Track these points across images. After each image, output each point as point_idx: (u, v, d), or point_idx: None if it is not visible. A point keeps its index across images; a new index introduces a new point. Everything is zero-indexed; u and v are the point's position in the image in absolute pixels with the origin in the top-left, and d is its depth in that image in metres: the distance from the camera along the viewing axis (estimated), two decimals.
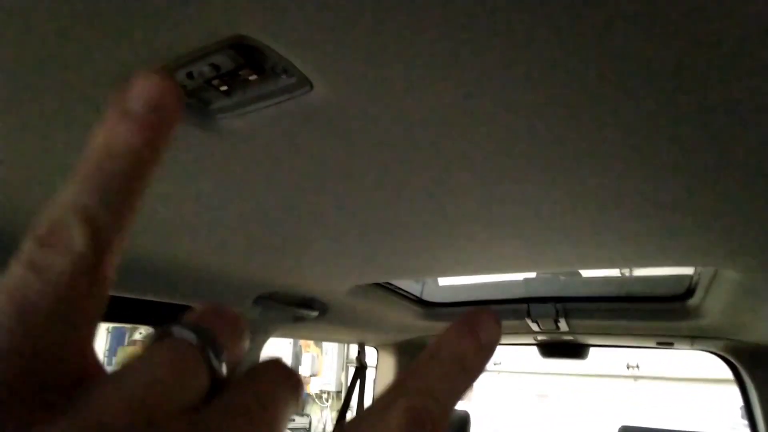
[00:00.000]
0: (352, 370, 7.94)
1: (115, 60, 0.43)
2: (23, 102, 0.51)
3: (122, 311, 1.42)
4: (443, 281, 2.30)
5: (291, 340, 8.10)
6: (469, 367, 0.19)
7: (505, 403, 7.04)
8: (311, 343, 8.02)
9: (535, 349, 2.44)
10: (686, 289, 1.63)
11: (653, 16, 0.36)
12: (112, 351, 8.92)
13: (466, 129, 0.56)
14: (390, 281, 1.79)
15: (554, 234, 0.93)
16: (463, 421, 1.95)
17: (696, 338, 1.88)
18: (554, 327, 1.96)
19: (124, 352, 8.78)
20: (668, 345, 2.02)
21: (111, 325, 8.91)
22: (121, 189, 0.18)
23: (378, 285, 1.72)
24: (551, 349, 2.32)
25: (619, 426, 1.73)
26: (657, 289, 1.78)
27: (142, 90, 0.19)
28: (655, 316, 1.73)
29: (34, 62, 0.44)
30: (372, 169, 0.66)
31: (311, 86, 0.47)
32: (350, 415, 2.55)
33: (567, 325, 1.93)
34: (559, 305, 1.85)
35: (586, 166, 0.62)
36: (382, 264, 1.25)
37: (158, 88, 0.19)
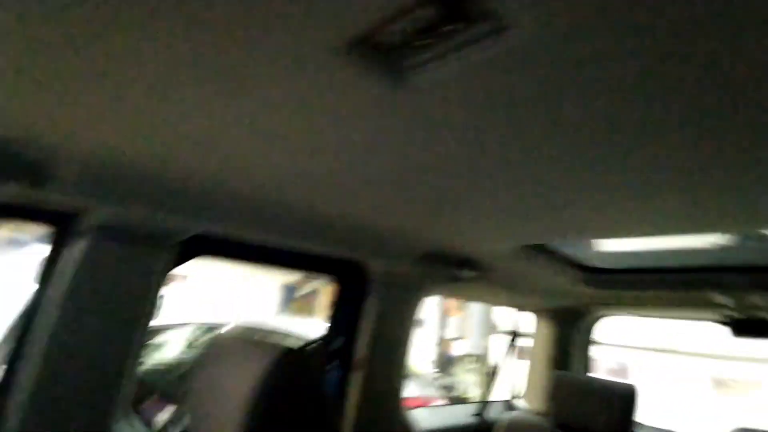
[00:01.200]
0: (494, 337, 7.88)
1: (326, 21, 0.48)
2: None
3: (300, 262, 1.61)
4: (608, 246, 2.12)
5: (437, 304, 8.36)
6: None
7: (675, 387, 6.32)
8: (456, 307, 8.17)
9: (708, 327, 2.12)
10: None
11: None
12: (284, 303, 10.32)
13: (655, 84, 0.51)
14: (554, 243, 1.71)
15: (750, 185, 0.78)
16: (630, 394, 1.81)
17: None
18: (752, 302, 1.68)
19: (294, 305, 10.06)
20: None
21: (282, 282, 10.24)
22: None
23: (539, 247, 1.66)
24: (745, 326, 1.99)
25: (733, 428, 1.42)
26: None
27: None
28: None
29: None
30: (552, 122, 0.64)
31: (508, 31, 0.46)
32: (500, 379, 2.56)
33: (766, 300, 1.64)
34: (757, 276, 1.57)
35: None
36: (545, 224, 1.20)
37: None
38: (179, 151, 0.88)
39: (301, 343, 1.80)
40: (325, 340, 1.77)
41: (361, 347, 1.71)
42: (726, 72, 0.48)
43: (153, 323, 1.24)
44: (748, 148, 0.65)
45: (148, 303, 1.20)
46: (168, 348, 4.75)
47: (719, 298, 1.73)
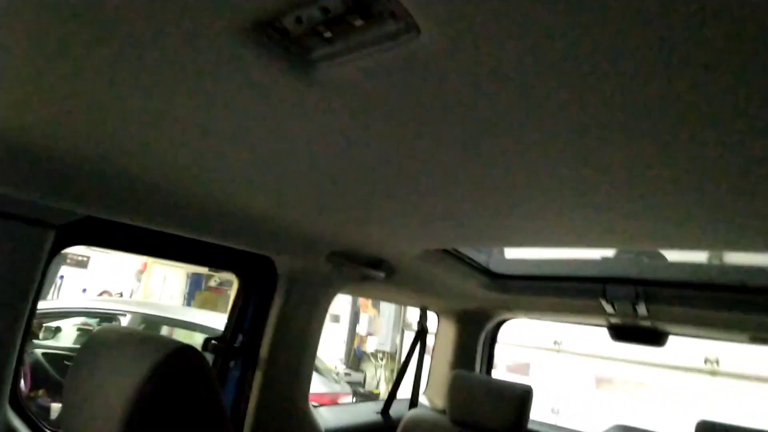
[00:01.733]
0: (407, 334, 8.11)
1: (231, 3, 0.44)
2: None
3: (205, 254, 1.52)
4: (510, 254, 2.25)
5: (350, 300, 8.40)
6: None
7: (563, 382, 6.89)
8: (369, 303, 8.26)
9: (598, 331, 2.34)
10: None
11: None
12: (190, 295, 9.76)
13: (561, 98, 0.53)
14: (460, 248, 1.77)
15: (641, 207, 0.86)
16: (526, 394, 1.93)
17: None
18: (632, 311, 1.86)
19: (200, 297, 9.56)
20: (764, 341, 1.85)
21: (191, 271, 9.70)
22: None
23: (447, 252, 1.71)
24: (625, 333, 2.20)
25: (698, 420, 1.63)
26: (755, 279, 1.62)
27: None
28: (751, 308, 1.58)
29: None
30: (458, 128, 0.64)
31: (418, 32, 0.45)
32: (408, 375, 2.62)
33: (646, 309, 1.82)
34: (640, 288, 1.74)
35: (682, 129, 0.56)
36: (453, 231, 1.24)
37: None
38: (65, 130, 0.78)
39: (202, 338, 1.70)
40: (228, 336, 1.69)
41: (266, 345, 1.65)
42: (636, 78, 0.50)
43: (49, 306, 1.13)
44: (647, 164, 0.69)
45: (32, 286, 1.10)
46: (64, 334, 4.38)
47: (604, 305, 1.89)
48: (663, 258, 1.94)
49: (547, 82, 0.51)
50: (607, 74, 0.48)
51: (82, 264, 8.65)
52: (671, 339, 2.18)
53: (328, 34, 0.49)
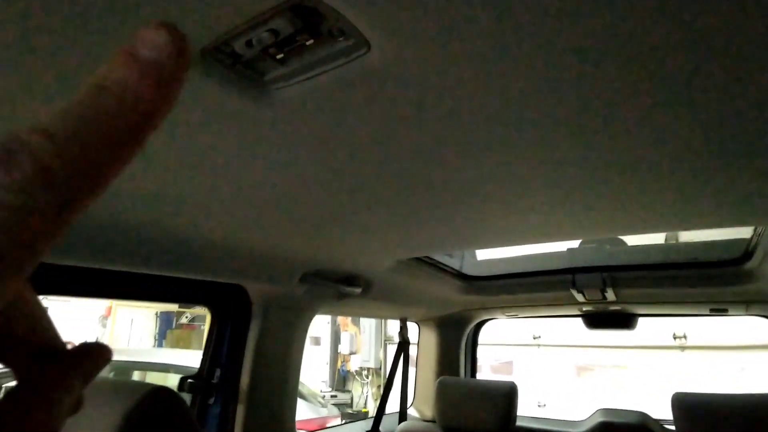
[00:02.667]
0: (390, 348, 8.04)
1: (178, 19, 0.43)
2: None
3: (171, 290, 1.46)
4: (482, 255, 2.29)
5: (329, 320, 8.28)
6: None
7: (546, 375, 7.01)
8: (349, 322, 8.18)
9: (575, 322, 2.40)
10: (743, 253, 1.56)
11: None
12: (161, 335, 9.38)
13: (514, 99, 0.55)
14: (431, 255, 1.79)
15: (599, 199, 0.90)
16: (511, 391, 1.95)
17: (752, 303, 1.81)
18: (601, 297, 1.92)
19: (173, 336, 9.20)
20: (722, 312, 1.95)
21: (159, 309, 9.34)
22: (112, 137, 0.15)
23: (419, 260, 1.73)
24: (597, 320, 2.27)
25: (673, 393, 1.70)
26: (710, 254, 1.71)
27: (154, 37, 0.16)
28: (708, 282, 1.67)
29: (76, 30, 0.45)
30: (417, 137, 0.65)
31: (369, 48, 0.46)
32: (394, 389, 2.60)
33: (614, 294, 1.89)
34: (606, 274, 1.80)
35: (630, 119, 0.59)
36: (423, 238, 1.25)
37: (171, 37, 0.17)
38: None
39: (177, 379, 1.63)
40: (204, 372, 1.63)
41: (245, 377, 1.60)
42: (588, 70, 0.52)
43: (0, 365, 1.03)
44: (602, 155, 0.72)
45: None
46: None
47: (575, 295, 1.95)
48: (624, 243, 2.03)
49: (499, 85, 0.52)
50: (558, 71, 0.50)
51: None
52: (641, 321, 2.26)
53: (280, 56, 0.49)
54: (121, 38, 0.44)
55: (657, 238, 2.10)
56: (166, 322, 9.46)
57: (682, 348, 6.13)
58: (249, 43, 0.45)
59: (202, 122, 0.60)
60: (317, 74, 0.51)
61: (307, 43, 0.47)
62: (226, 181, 0.81)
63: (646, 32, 0.43)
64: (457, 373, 2.61)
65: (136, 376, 4.19)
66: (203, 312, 9.02)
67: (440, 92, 0.54)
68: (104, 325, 9.03)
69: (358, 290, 1.69)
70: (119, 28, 0.43)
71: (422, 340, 2.68)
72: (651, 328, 5.77)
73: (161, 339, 9.26)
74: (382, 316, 3.04)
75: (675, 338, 6.09)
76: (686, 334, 6.04)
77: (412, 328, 2.61)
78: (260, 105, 0.57)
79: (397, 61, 0.48)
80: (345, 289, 1.64)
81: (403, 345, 2.51)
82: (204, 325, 9.00)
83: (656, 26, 0.42)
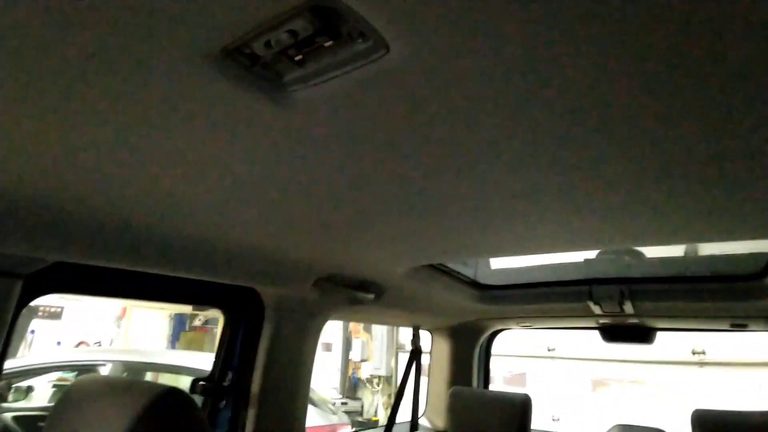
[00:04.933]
0: (401, 356, 7.99)
1: (199, 28, 0.43)
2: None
3: (185, 292, 1.47)
4: (496, 264, 2.26)
5: (341, 326, 8.27)
6: None
7: (560, 389, 6.88)
8: (361, 329, 8.16)
9: (590, 335, 2.35)
10: (765, 267, 1.51)
11: None
12: (175, 336, 9.47)
13: (533, 105, 0.54)
14: (446, 263, 1.77)
15: (616, 208, 0.88)
16: (525, 404, 1.91)
17: None
18: (618, 310, 1.88)
19: (186, 338, 9.28)
20: (742, 327, 1.89)
21: (173, 311, 9.44)
22: None
23: (434, 267, 1.71)
24: (614, 333, 2.22)
25: (693, 410, 1.65)
26: (731, 268, 1.67)
27: None
28: (729, 296, 1.62)
29: (103, 33, 0.45)
30: (434, 141, 0.65)
31: (387, 49, 0.46)
32: (406, 398, 2.57)
33: (633, 307, 1.85)
34: (624, 287, 1.76)
35: (653, 127, 0.58)
36: (438, 245, 1.23)
37: None
38: (25, 172, 0.75)
39: (189, 381, 1.64)
40: (216, 375, 1.63)
41: (257, 381, 1.60)
42: (605, 83, 0.51)
43: (18, 364, 1.05)
44: (620, 165, 0.70)
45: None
46: (37, 393, 4.17)
47: (592, 307, 1.91)
48: (642, 256, 1.98)
49: (519, 93, 0.52)
50: (577, 82, 0.49)
51: (55, 315, 8.33)
52: (659, 335, 2.21)
53: (298, 57, 0.49)
54: (143, 37, 0.44)
55: (676, 251, 2.05)
56: (179, 324, 9.55)
57: (701, 364, 5.96)
58: (268, 44, 0.45)
59: (218, 123, 0.61)
60: (335, 76, 0.50)
61: (326, 44, 0.46)
62: (241, 183, 0.81)
63: (659, 42, 0.42)
64: (470, 384, 2.57)
65: (149, 377, 4.23)
66: (216, 315, 9.09)
67: (458, 96, 0.53)
68: (119, 326, 9.16)
69: (371, 296, 1.68)
70: (141, 28, 0.43)
71: (435, 348, 2.65)
72: (669, 342, 5.64)
73: (174, 341, 9.34)
74: (395, 324, 3.03)
75: (694, 354, 5.93)
76: (705, 350, 5.89)
77: (425, 337, 2.59)
78: (278, 107, 0.57)
79: (415, 64, 0.48)
80: (358, 294, 1.63)
81: (416, 353, 2.49)
82: (216, 327, 9.07)
83: (668, 37, 0.41)
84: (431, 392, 2.64)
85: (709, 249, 1.92)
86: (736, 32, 0.41)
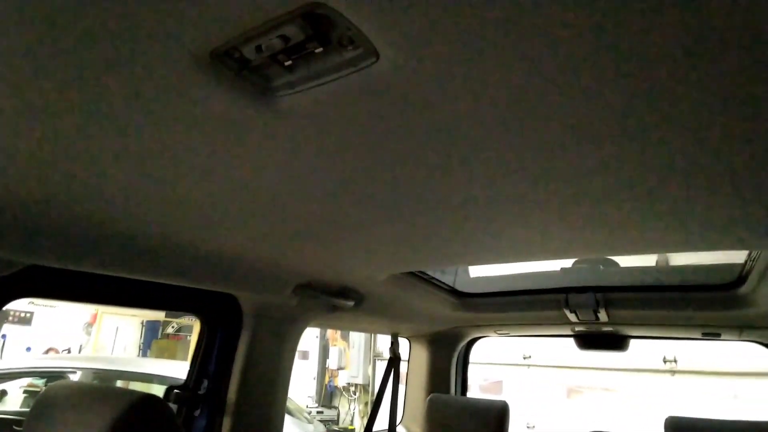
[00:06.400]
0: (379, 364, 7.92)
1: (189, 30, 0.43)
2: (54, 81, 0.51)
3: (161, 297, 1.44)
4: (475, 272, 2.28)
5: (318, 334, 8.19)
6: None
7: (536, 396, 6.95)
8: (338, 336, 8.09)
9: (565, 343, 2.39)
10: (737, 277, 1.57)
11: None
12: (146, 344, 9.21)
13: (516, 116, 0.55)
14: (426, 270, 1.78)
15: (592, 218, 0.90)
16: (502, 411, 1.93)
17: (745, 328, 1.81)
18: (593, 317, 1.92)
19: (158, 346, 9.04)
20: (715, 336, 1.95)
21: (145, 318, 9.20)
22: None
23: (413, 275, 1.72)
24: (589, 340, 2.27)
25: (666, 417, 1.69)
26: (704, 277, 1.72)
27: None
28: (702, 305, 1.67)
29: (94, 37, 0.44)
30: (416, 150, 0.65)
31: (377, 58, 0.46)
32: (383, 405, 2.56)
33: (607, 315, 1.89)
34: (599, 295, 1.80)
35: (630, 142, 0.60)
36: (418, 252, 1.24)
37: None
38: (6, 173, 0.73)
39: (161, 390, 1.60)
40: (191, 383, 1.60)
41: (233, 389, 1.57)
42: (586, 96, 0.53)
43: None
44: (597, 176, 0.72)
45: None
46: (10, 398, 4.02)
47: (568, 315, 1.94)
48: (616, 264, 2.03)
49: (503, 102, 0.53)
50: (562, 95, 0.50)
51: (25, 320, 8.02)
52: (632, 343, 2.26)
53: (288, 62, 0.49)
54: (131, 37, 0.44)
55: (649, 260, 2.11)
56: (151, 332, 9.30)
57: (672, 372, 6.12)
58: (258, 49, 0.45)
59: (202, 126, 0.60)
60: (324, 83, 0.51)
61: (316, 51, 0.47)
62: (222, 188, 0.80)
63: (642, 55, 0.44)
64: (448, 391, 2.58)
65: (119, 385, 4.11)
66: (190, 322, 8.89)
67: (442, 106, 0.54)
68: (89, 333, 8.86)
69: (351, 303, 1.68)
70: (133, 29, 0.43)
71: (413, 356, 2.65)
72: (641, 351, 5.77)
73: (146, 349, 9.09)
74: (374, 331, 3.02)
75: (665, 362, 6.08)
76: (677, 358, 6.04)
77: (403, 345, 2.58)
78: (264, 111, 0.57)
79: (404, 73, 0.48)
80: (338, 301, 1.63)
81: (394, 361, 2.48)
82: (190, 335, 8.87)
83: (654, 48, 0.43)
84: (409, 400, 2.64)
85: (682, 259, 1.98)
86: (714, 55, 0.43)
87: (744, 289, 1.52)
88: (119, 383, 4.12)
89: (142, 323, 9.37)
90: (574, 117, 0.55)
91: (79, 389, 0.94)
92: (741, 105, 0.51)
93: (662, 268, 1.97)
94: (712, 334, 1.94)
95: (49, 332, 8.30)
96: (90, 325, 8.87)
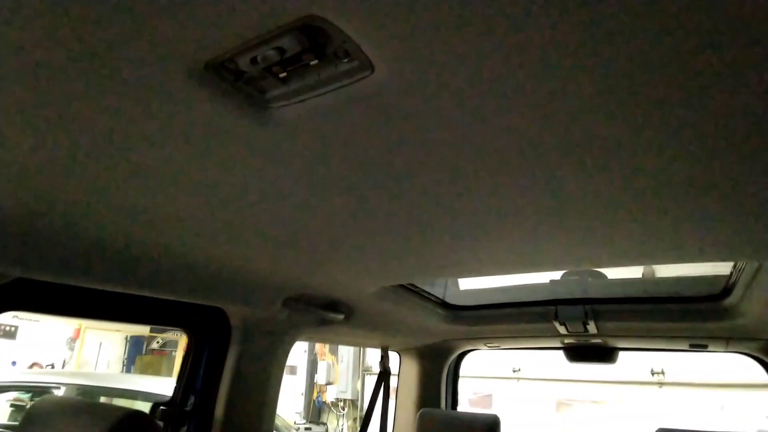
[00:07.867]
0: (368, 378, 7.82)
1: (184, 42, 0.43)
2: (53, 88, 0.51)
3: (148, 311, 1.42)
4: (465, 285, 2.28)
5: (306, 348, 8.09)
6: None
7: (525, 410, 6.92)
8: (327, 351, 8.00)
9: (554, 356, 2.39)
10: (723, 288, 1.59)
11: None
12: (130, 360, 9.01)
13: (508, 131, 0.56)
14: (415, 283, 1.77)
15: (581, 231, 0.91)
16: (494, 425, 1.92)
17: (731, 340, 1.83)
18: (583, 329, 1.93)
19: (142, 361, 8.85)
20: (702, 348, 1.97)
21: (129, 333, 9.02)
22: None
23: (403, 287, 1.71)
24: (578, 353, 2.27)
25: (656, 429, 1.69)
26: (691, 289, 1.74)
27: None
28: (688, 317, 1.69)
29: (93, 47, 0.44)
30: (408, 163, 0.66)
31: (372, 70, 0.47)
32: (374, 420, 2.52)
33: (596, 327, 1.90)
34: (588, 307, 1.81)
35: (617, 157, 0.61)
36: (408, 265, 1.24)
37: None
38: None
39: (145, 407, 1.56)
40: (178, 399, 1.56)
41: (221, 405, 1.54)
42: (576, 110, 0.54)
43: None
44: (585, 190, 0.73)
45: None
46: None
47: (558, 327, 1.95)
48: (604, 276, 2.05)
49: (497, 115, 0.54)
50: (549, 112, 0.51)
51: (9, 335, 7.82)
52: (621, 355, 2.27)
53: (282, 75, 0.49)
54: (130, 50, 0.44)
55: (636, 272, 2.13)
56: (135, 347, 9.12)
57: (660, 384, 6.15)
58: (254, 60, 0.46)
59: (195, 137, 0.60)
60: (318, 95, 0.51)
61: (311, 63, 0.47)
62: (211, 199, 0.80)
63: (630, 71, 0.45)
64: (438, 405, 2.55)
65: (103, 402, 4.01)
66: (175, 337, 8.72)
67: (436, 119, 0.55)
68: (72, 348, 8.65)
69: (341, 316, 1.67)
70: (128, 41, 0.43)
71: (403, 370, 2.63)
72: (630, 363, 5.80)
73: (130, 364, 8.90)
74: (364, 344, 2.99)
75: (653, 374, 6.11)
76: (664, 370, 6.08)
77: (393, 359, 2.56)
78: (259, 123, 0.57)
79: (398, 85, 0.49)
80: (327, 315, 1.61)
81: (384, 375, 2.46)
82: (175, 351, 8.70)
83: (642, 64, 0.44)
84: (399, 414, 2.61)
85: (669, 271, 2.01)
86: (700, 70, 0.44)
87: (730, 300, 1.54)
88: (102, 400, 4.03)
89: (126, 338, 9.18)
90: (563, 133, 0.56)
91: (69, 405, 0.92)
92: (726, 120, 0.52)
93: (649, 280, 1.99)
94: (699, 346, 1.95)
95: (34, 347, 8.10)
96: (73, 340, 8.67)
